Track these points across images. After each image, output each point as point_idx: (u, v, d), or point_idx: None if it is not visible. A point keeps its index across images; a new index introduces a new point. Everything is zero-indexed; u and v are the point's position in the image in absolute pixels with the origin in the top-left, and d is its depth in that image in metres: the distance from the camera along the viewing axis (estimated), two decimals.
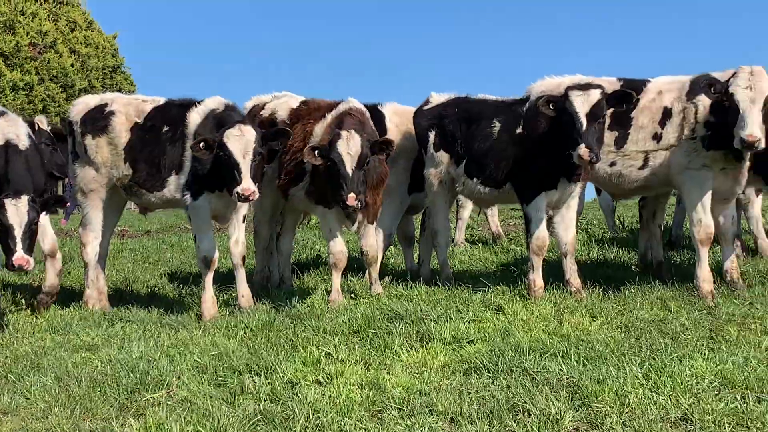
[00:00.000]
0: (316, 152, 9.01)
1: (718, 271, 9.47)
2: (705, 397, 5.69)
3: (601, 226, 15.71)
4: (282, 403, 6.13)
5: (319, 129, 9.58)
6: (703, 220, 8.97)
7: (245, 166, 8.80)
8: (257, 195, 8.83)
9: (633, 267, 11.00)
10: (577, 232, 12.87)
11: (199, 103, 9.67)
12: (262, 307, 9.31)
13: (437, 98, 10.42)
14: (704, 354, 6.63)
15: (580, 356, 6.73)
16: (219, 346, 7.73)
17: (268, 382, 6.58)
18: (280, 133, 9.38)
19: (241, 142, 8.86)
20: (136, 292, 11.57)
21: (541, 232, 9.28)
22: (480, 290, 9.26)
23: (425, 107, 10.40)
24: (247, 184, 8.74)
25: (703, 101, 8.95)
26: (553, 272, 9.72)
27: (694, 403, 5.63)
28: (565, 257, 9.37)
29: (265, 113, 10.46)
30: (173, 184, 9.63)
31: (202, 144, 8.96)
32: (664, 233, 12.55)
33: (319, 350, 7.34)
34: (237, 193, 8.73)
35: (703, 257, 9.00)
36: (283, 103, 10.37)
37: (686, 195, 9.26)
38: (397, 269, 11.79)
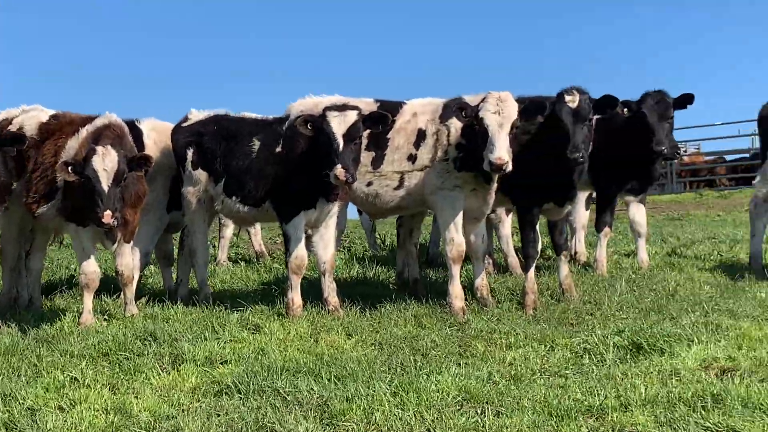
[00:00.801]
0: (69, 168, 8.69)
1: (470, 288, 9.79)
2: (448, 412, 5.85)
3: (364, 245, 15.98)
4: (19, 431, 5.83)
5: (74, 144, 9.24)
6: (455, 238, 9.27)
7: None
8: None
9: (391, 285, 11.22)
10: (339, 250, 13.06)
11: None
12: (7, 330, 8.82)
13: (197, 115, 10.27)
14: (451, 369, 6.83)
15: (332, 374, 6.78)
16: None
17: (7, 410, 6.25)
18: (16, 139, 8.96)
19: None
20: None
21: (300, 251, 9.31)
22: (239, 310, 9.19)
23: (184, 124, 10.23)
24: None
25: (455, 124, 9.25)
26: (314, 291, 9.77)
27: (437, 418, 5.78)
28: (324, 276, 9.44)
29: (12, 128, 9.96)
30: None
31: None
32: (422, 251, 12.92)
33: (65, 375, 7.05)
34: None
35: (455, 275, 9.28)
36: (31, 118, 9.91)
37: (439, 214, 9.56)
38: (155, 289, 11.52)
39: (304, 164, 9.11)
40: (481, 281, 9.62)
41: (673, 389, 6.17)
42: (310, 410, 5.99)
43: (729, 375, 6.58)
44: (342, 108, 8.89)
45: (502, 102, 8.81)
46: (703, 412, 5.72)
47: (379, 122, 9.07)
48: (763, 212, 11.65)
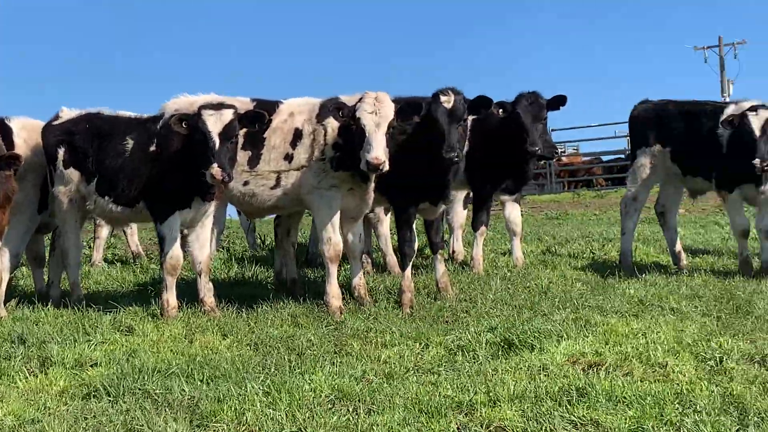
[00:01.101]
0: None
1: (348, 287, 9.81)
2: (320, 411, 5.85)
3: (244, 245, 15.87)
4: None
5: None
6: (333, 238, 9.28)
7: None
8: None
9: (269, 285, 11.17)
10: (219, 250, 12.95)
11: None
12: None
13: (68, 113, 10.06)
14: (325, 368, 6.84)
15: (204, 375, 6.73)
16: None
17: None
18: None
19: None
20: None
21: (175, 251, 9.22)
22: (112, 311, 9.04)
23: (55, 122, 10.00)
24: None
25: (332, 124, 9.26)
26: (191, 291, 9.67)
27: (309, 417, 5.77)
28: (200, 276, 9.37)
29: None
30: None
31: None
32: (303, 251, 12.91)
33: None
34: None
35: (333, 274, 9.30)
36: None
37: (316, 214, 9.55)
38: (26, 291, 11.22)
39: (178, 163, 9.01)
40: (359, 280, 9.65)
41: (541, 384, 6.29)
42: (180, 411, 5.92)
43: (595, 369, 6.73)
44: (218, 107, 8.83)
45: (378, 102, 8.87)
46: (568, 406, 5.85)
47: (255, 121, 9.04)
48: (633, 211, 12.03)
